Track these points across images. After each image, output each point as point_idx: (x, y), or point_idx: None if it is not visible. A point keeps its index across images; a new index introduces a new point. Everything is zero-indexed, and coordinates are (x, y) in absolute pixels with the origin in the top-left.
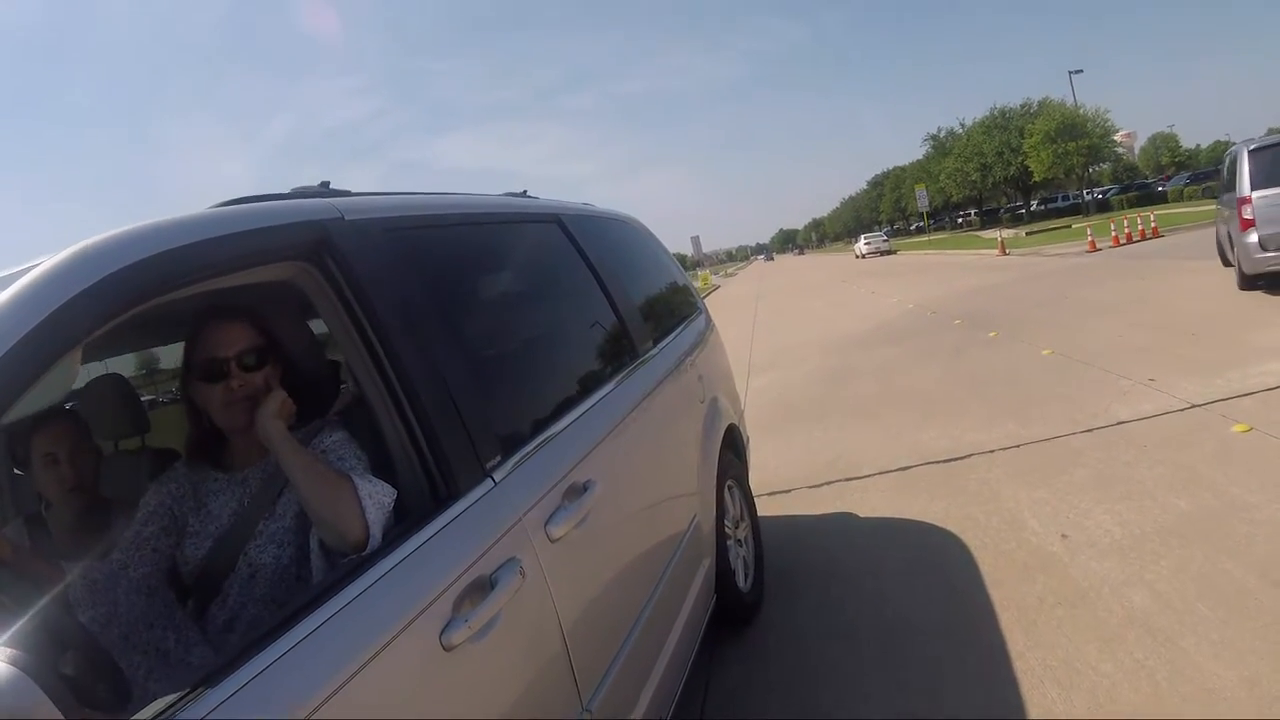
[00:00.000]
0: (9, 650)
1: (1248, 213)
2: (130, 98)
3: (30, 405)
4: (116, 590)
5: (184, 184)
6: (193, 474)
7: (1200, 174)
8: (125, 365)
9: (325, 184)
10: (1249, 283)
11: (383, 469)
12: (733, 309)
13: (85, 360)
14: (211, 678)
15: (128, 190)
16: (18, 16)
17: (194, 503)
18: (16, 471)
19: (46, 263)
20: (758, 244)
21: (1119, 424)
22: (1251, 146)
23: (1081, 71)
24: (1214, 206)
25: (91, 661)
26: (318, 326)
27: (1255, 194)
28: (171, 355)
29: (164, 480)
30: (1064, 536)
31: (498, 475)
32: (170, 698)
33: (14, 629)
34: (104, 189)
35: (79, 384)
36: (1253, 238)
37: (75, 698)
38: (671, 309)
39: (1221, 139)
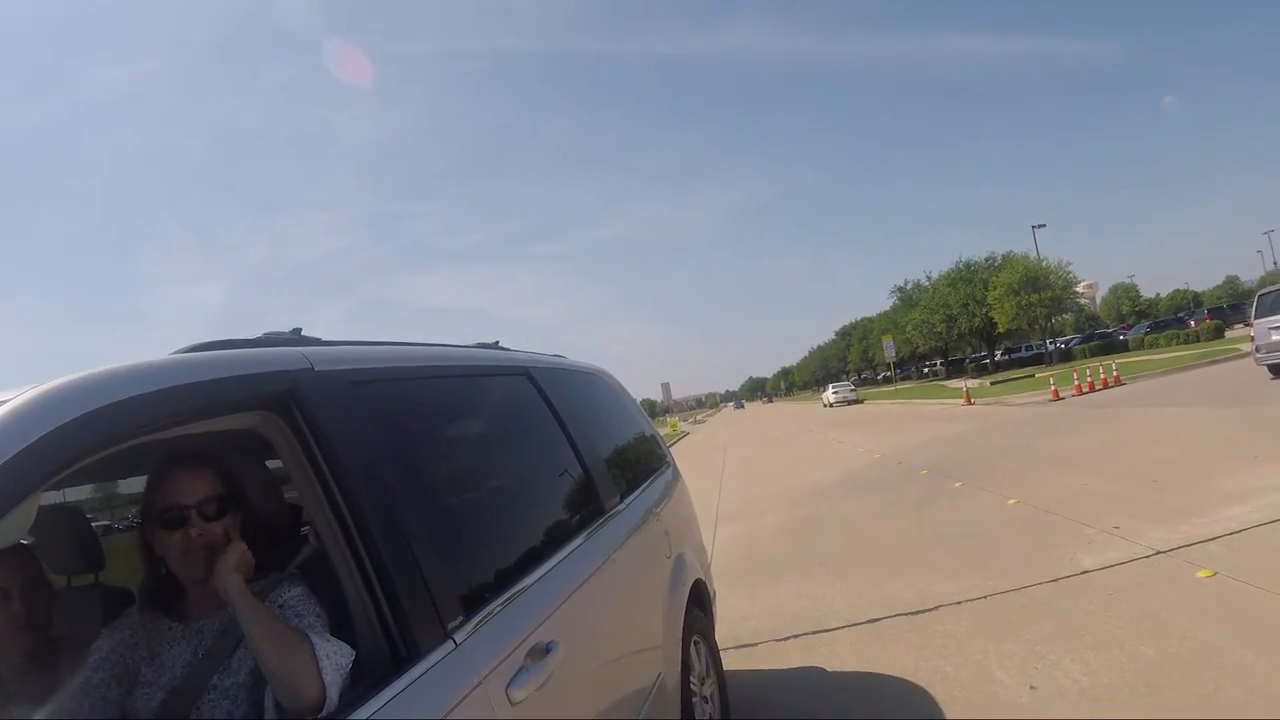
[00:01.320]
0: None
1: (1252, 333)
2: (115, 228)
3: None
4: None
5: (163, 310)
6: (146, 621)
7: (1160, 322)
8: (81, 489)
9: (297, 330)
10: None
11: (341, 626)
12: (701, 456)
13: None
14: None
15: (107, 316)
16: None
17: (146, 651)
18: None
19: (8, 404)
20: (727, 391)
21: (1085, 573)
22: (1260, 291)
23: (1044, 226)
24: (1179, 353)
25: None
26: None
27: (1257, 321)
28: (131, 480)
29: (116, 626)
30: (1032, 688)
31: (459, 636)
32: None
33: None
34: (80, 317)
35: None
36: (1252, 347)
37: None
38: (639, 462)
39: (1180, 288)
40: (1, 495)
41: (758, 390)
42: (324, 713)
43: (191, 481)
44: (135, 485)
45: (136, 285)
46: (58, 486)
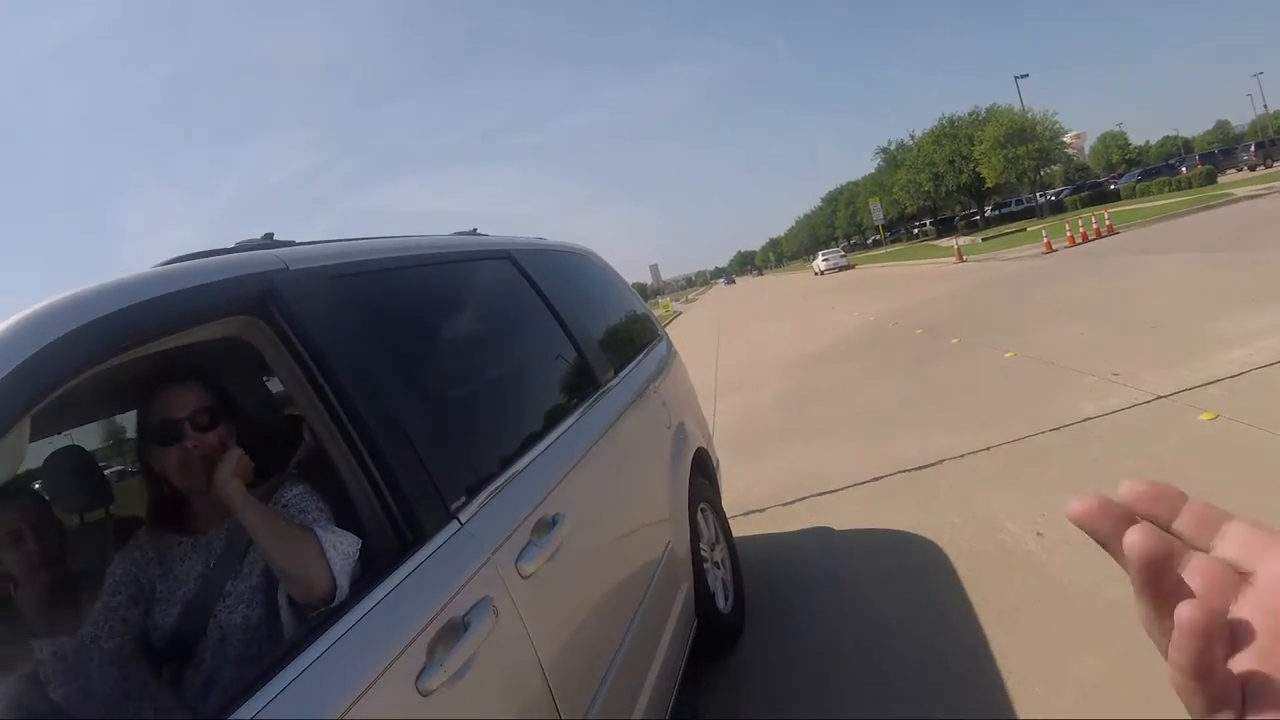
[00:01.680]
0: None
1: None
2: (82, 181)
3: None
4: (89, 664)
5: (141, 261)
6: (156, 540)
7: (1151, 170)
8: (90, 437)
9: (269, 236)
10: None
11: (346, 519)
12: (696, 334)
13: (45, 434)
14: None
15: (85, 273)
16: None
17: (160, 569)
18: None
19: None
20: (716, 268)
21: (1086, 420)
22: None
23: (1027, 76)
24: (1172, 200)
25: None
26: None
27: None
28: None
29: (128, 549)
30: (1039, 535)
31: (463, 516)
32: None
33: None
34: (58, 276)
35: (38, 460)
36: None
37: None
38: (631, 337)
39: (1170, 134)
40: (4, 410)
41: (747, 264)
42: (336, 601)
43: (181, 395)
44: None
45: (112, 238)
46: (60, 425)
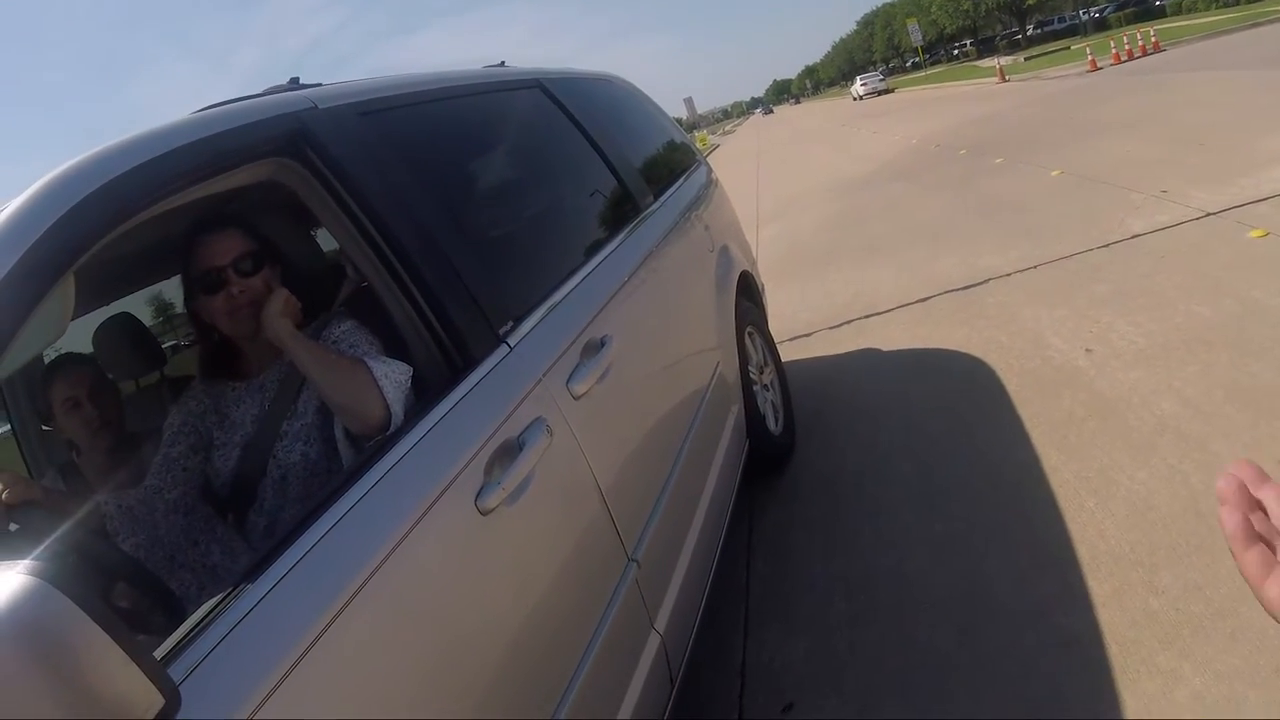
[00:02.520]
0: (34, 563)
1: None
2: (98, 65)
3: (34, 352)
4: (154, 514)
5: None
6: (211, 389)
7: None
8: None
9: (294, 80)
10: None
11: (396, 350)
12: (735, 164)
13: (94, 306)
14: (251, 573)
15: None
16: None
17: (216, 417)
18: (45, 428)
19: (28, 189)
20: (752, 98)
21: (1134, 237)
22: None
23: None
24: (1220, 17)
25: (142, 588)
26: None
27: None
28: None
29: (184, 400)
30: (1088, 351)
31: (512, 340)
32: (214, 600)
33: (50, 565)
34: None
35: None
36: None
37: (132, 627)
38: (669, 163)
39: None
40: (44, 267)
41: (784, 93)
42: (391, 429)
43: (222, 243)
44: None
45: (135, 117)
46: (107, 296)
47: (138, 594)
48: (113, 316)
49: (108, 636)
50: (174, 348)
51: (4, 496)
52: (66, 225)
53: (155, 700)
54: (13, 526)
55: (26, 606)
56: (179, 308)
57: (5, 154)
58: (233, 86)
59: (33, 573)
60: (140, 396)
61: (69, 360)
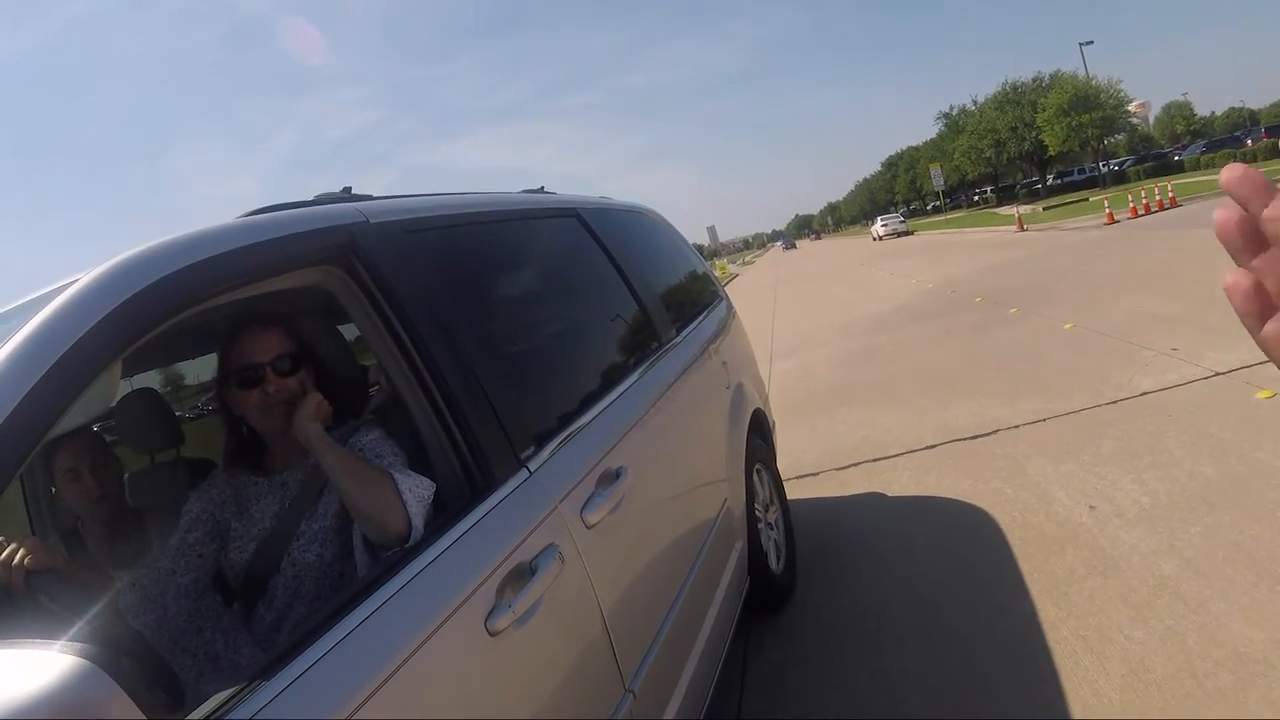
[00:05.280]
0: (83, 645)
1: None
2: (140, 135)
3: (77, 424)
4: (165, 596)
5: (199, 207)
6: (233, 480)
7: (1216, 141)
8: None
9: (347, 189)
10: None
11: (419, 465)
12: (753, 295)
13: (124, 375)
14: (264, 673)
15: (147, 220)
16: (26, 69)
17: (235, 508)
18: (54, 490)
19: (84, 278)
20: (774, 230)
21: (1143, 395)
22: None
23: (1092, 43)
24: None
25: (146, 666)
26: (348, 332)
27: None
28: (194, 370)
29: (205, 487)
30: (1092, 508)
31: (532, 465)
32: (223, 695)
33: (72, 633)
34: (122, 223)
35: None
36: None
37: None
38: (693, 297)
39: (1236, 105)
40: (89, 360)
41: (804, 228)
42: (410, 542)
43: (263, 340)
44: (200, 372)
45: (172, 186)
46: (132, 368)
47: (141, 672)
48: (137, 390)
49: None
50: (190, 419)
51: (27, 562)
52: (124, 313)
53: None
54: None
55: (74, 689)
56: (188, 379)
57: (38, 212)
58: (269, 166)
59: (81, 654)
60: (155, 472)
61: (72, 431)
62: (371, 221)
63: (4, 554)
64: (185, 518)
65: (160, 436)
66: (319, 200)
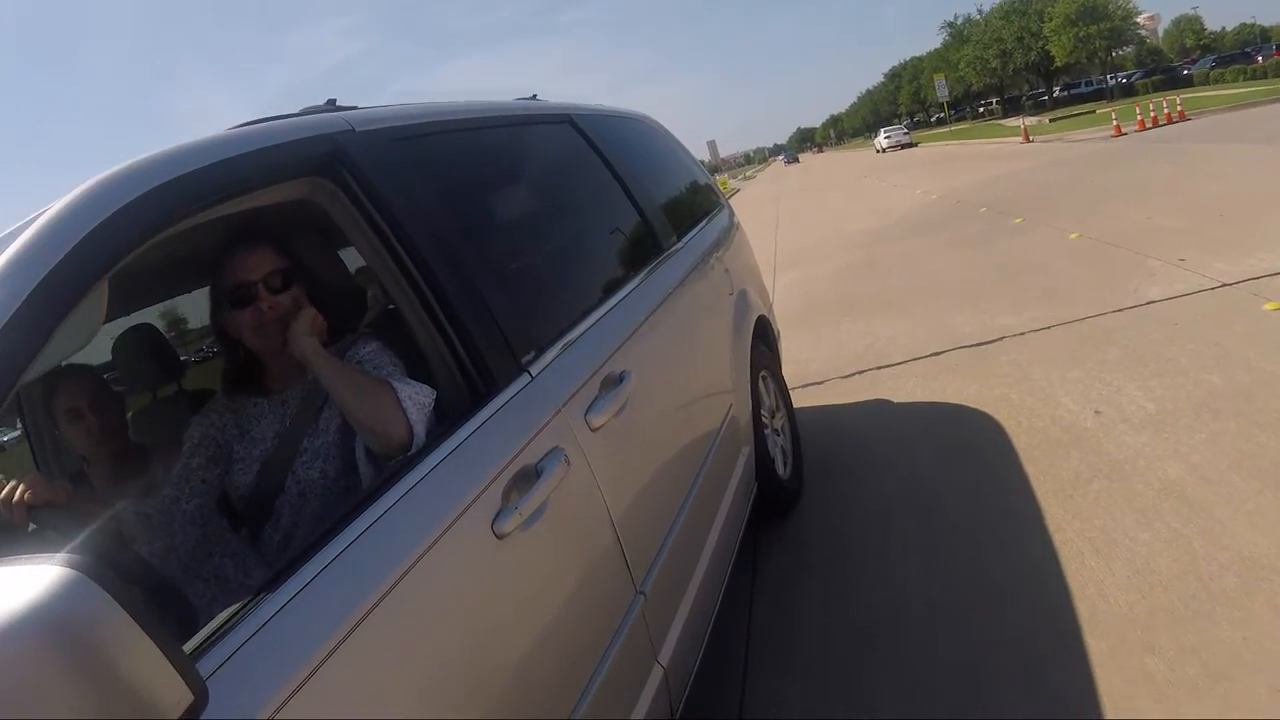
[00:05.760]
0: (72, 556)
1: None
2: (131, 78)
3: (64, 358)
4: (171, 524)
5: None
6: (233, 404)
7: (1226, 57)
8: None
9: (331, 101)
10: None
11: (419, 374)
12: (754, 209)
13: (116, 315)
14: (268, 586)
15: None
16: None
17: (237, 430)
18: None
19: (65, 198)
20: (775, 145)
21: (1150, 304)
22: None
23: None
24: (1246, 89)
25: (157, 593)
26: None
27: None
28: (199, 314)
29: (205, 413)
30: (1097, 413)
31: (534, 369)
32: (230, 610)
33: (87, 559)
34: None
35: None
36: None
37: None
38: (693, 204)
39: (1247, 21)
40: (73, 282)
41: (807, 141)
42: (413, 449)
43: (253, 258)
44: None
45: (165, 127)
46: (134, 303)
47: (153, 599)
48: (134, 326)
49: (141, 631)
50: (190, 362)
51: (27, 497)
52: (105, 232)
53: (185, 697)
54: (31, 527)
55: (62, 598)
56: (193, 323)
57: (35, 161)
58: (263, 103)
59: (69, 565)
60: (157, 408)
61: (70, 370)
62: (357, 130)
63: (4, 491)
64: (187, 444)
65: (160, 372)
66: (305, 112)
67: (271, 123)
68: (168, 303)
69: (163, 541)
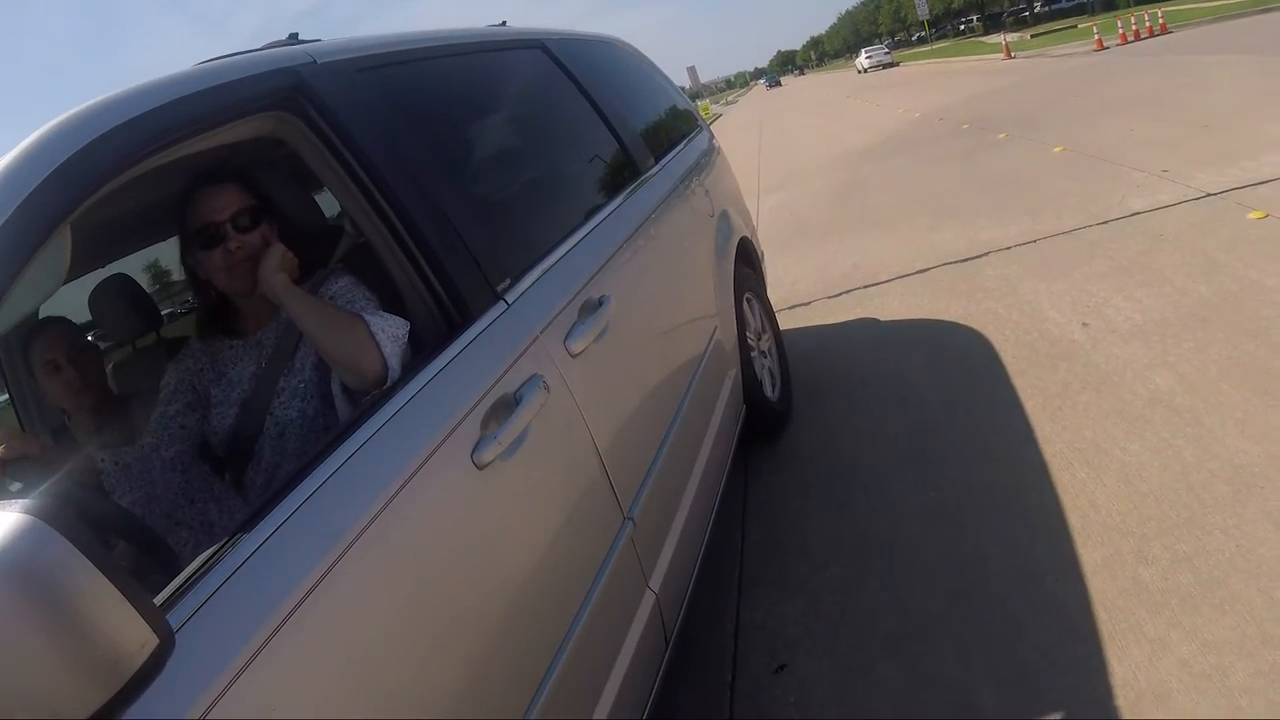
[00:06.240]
0: (29, 502)
1: None
2: (95, 27)
3: (31, 305)
4: (151, 472)
5: None
6: (208, 348)
7: None
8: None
9: (293, 35)
10: None
11: (393, 307)
12: (737, 134)
13: (91, 268)
14: (245, 526)
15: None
16: None
17: (213, 374)
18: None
19: (24, 140)
20: (756, 68)
21: (1134, 215)
22: None
23: None
24: (1225, 1)
25: (139, 544)
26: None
27: None
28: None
29: (181, 358)
30: (1085, 325)
31: (510, 297)
32: (210, 550)
33: (46, 504)
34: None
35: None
36: None
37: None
38: (670, 127)
39: None
40: (42, 217)
41: (788, 64)
42: (388, 383)
43: (220, 197)
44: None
45: (136, 78)
46: (107, 255)
47: (136, 550)
48: (109, 277)
49: (103, 576)
50: (170, 315)
51: (1, 453)
52: (65, 174)
53: (150, 640)
54: (14, 486)
55: (22, 544)
56: (175, 273)
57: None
58: (234, 47)
59: (29, 511)
60: (137, 358)
61: (47, 323)
62: (319, 62)
63: None
64: (164, 391)
65: (138, 322)
66: (267, 47)
67: (232, 58)
68: (149, 254)
69: (143, 490)
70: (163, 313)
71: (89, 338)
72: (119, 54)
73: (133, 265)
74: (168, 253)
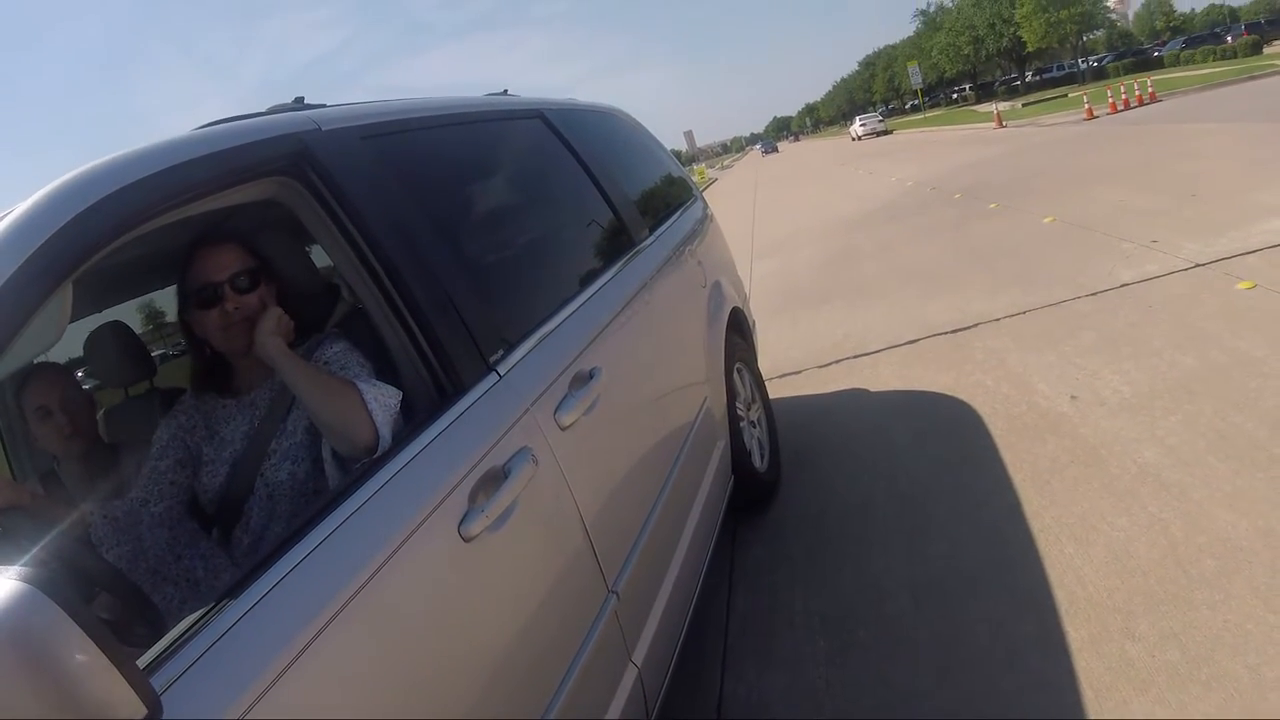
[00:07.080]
0: (24, 570)
1: None
2: (106, 71)
3: (30, 357)
4: (139, 526)
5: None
6: (201, 404)
7: (1196, 38)
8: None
9: (299, 99)
10: None
11: (387, 374)
12: (732, 199)
13: (88, 312)
14: (231, 592)
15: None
16: None
17: (206, 432)
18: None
19: (29, 199)
20: (752, 133)
21: (1123, 286)
22: None
23: None
24: (1216, 69)
25: (124, 599)
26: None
27: None
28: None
29: (174, 414)
30: (1073, 398)
31: (502, 369)
32: (197, 613)
33: (41, 572)
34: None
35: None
36: None
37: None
38: (666, 197)
39: (1216, 2)
40: (47, 273)
41: (783, 130)
42: (379, 451)
43: (220, 257)
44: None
45: (142, 119)
46: (102, 303)
47: (119, 605)
48: (105, 324)
49: (94, 644)
50: (163, 357)
51: None
52: (71, 232)
53: (137, 708)
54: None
55: (16, 612)
56: (169, 317)
57: (6, 154)
58: (238, 96)
59: (22, 579)
60: (129, 405)
61: (40, 369)
62: (324, 129)
63: None
64: (155, 445)
65: (132, 370)
66: (271, 111)
67: (238, 122)
68: (143, 299)
69: (130, 545)
70: (154, 355)
71: (81, 383)
72: (126, 96)
73: (128, 306)
74: (164, 297)
